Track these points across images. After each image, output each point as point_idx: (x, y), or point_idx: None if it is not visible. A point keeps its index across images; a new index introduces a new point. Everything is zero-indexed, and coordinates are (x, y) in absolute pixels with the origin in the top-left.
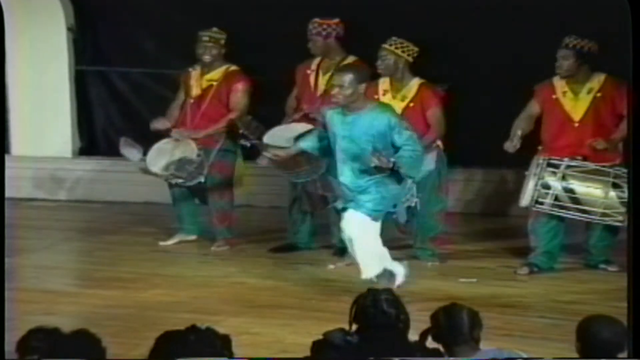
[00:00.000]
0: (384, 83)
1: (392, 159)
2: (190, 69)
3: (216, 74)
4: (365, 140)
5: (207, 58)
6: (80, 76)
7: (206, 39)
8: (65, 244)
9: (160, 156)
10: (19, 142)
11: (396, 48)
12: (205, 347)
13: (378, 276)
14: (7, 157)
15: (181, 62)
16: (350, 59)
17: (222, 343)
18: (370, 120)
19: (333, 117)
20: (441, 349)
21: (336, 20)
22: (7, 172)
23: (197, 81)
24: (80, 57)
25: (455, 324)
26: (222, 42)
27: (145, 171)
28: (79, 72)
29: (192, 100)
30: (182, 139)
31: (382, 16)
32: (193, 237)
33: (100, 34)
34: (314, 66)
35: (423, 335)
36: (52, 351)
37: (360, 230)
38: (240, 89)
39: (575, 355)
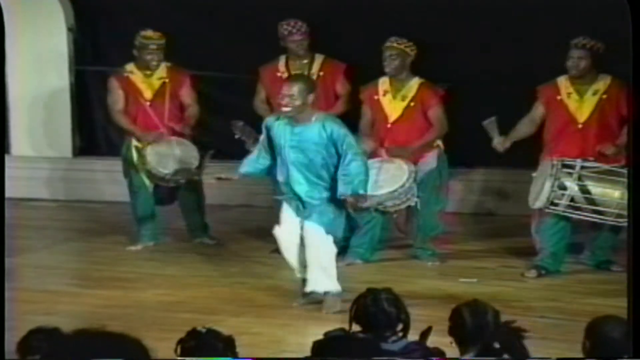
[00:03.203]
0: (384, 83)
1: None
2: (125, 74)
3: (161, 72)
4: (314, 150)
5: (154, 63)
6: (80, 76)
7: (154, 46)
8: (65, 244)
9: (165, 159)
10: (19, 142)
11: (406, 47)
12: (207, 350)
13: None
14: (7, 157)
15: (179, 62)
16: (319, 56)
17: (224, 345)
18: (318, 130)
19: (280, 128)
20: (442, 348)
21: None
22: (7, 172)
23: (144, 83)
24: (80, 57)
25: (480, 324)
26: (164, 43)
27: (154, 177)
28: (79, 72)
29: (148, 102)
30: (175, 140)
31: (381, 16)
32: (152, 243)
33: (100, 34)
34: (282, 67)
35: (424, 335)
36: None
37: (322, 243)
38: (188, 82)
39: (575, 354)
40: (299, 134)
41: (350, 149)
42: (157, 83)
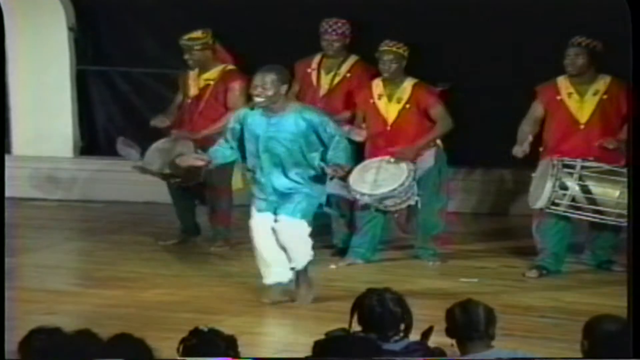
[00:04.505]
0: (377, 86)
1: (342, 164)
2: (189, 70)
3: (213, 73)
4: (291, 140)
5: (191, 63)
6: (81, 76)
7: (190, 44)
8: (66, 244)
9: (159, 155)
10: (19, 142)
11: (398, 48)
12: (209, 349)
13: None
14: (7, 157)
15: (182, 61)
16: (352, 58)
17: (227, 344)
18: (295, 120)
19: (255, 119)
20: (447, 349)
21: (343, 20)
22: (8, 172)
23: (194, 81)
24: (81, 56)
25: (471, 320)
26: (211, 42)
27: (143, 170)
28: (80, 71)
29: (189, 100)
30: (181, 139)
31: (381, 16)
32: (191, 238)
33: (101, 34)
34: (314, 64)
35: (425, 335)
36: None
37: (297, 236)
38: (237, 87)
39: (576, 354)
40: (276, 125)
41: (337, 132)
42: (202, 83)
